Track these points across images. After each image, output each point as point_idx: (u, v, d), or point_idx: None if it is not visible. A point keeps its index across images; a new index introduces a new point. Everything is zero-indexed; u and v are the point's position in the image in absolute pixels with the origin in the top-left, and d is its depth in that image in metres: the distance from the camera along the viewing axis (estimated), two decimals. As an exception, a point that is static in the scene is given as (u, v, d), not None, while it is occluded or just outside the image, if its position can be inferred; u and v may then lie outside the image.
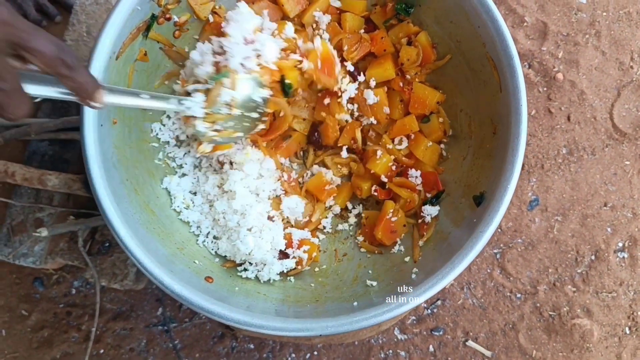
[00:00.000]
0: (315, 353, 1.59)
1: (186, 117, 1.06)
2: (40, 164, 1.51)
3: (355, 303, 1.03)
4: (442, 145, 1.25)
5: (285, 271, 1.18)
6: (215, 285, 1.06)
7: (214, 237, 1.18)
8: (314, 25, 1.25)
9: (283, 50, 1.15)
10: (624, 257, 1.66)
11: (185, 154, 1.22)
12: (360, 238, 1.24)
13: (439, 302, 1.63)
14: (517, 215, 1.67)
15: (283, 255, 1.18)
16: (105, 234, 1.49)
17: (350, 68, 1.23)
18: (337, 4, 1.25)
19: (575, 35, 1.80)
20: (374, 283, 1.10)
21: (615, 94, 1.76)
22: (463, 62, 1.18)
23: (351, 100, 1.25)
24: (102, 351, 1.58)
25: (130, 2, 1.05)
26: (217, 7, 1.22)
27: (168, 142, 1.21)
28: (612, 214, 1.68)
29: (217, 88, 1.04)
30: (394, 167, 1.24)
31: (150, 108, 0.99)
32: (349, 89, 1.23)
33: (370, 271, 1.16)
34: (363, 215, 1.26)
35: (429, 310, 1.62)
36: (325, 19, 1.24)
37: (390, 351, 1.59)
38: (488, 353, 1.59)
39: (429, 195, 1.20)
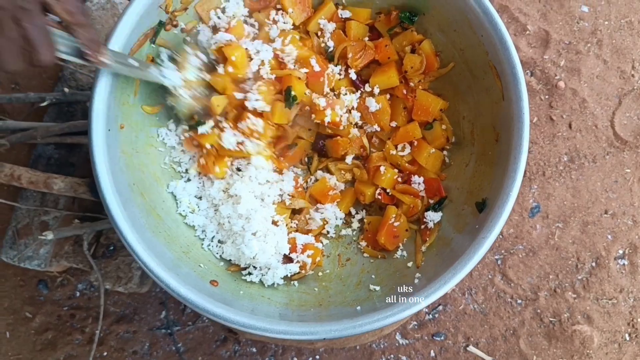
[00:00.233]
0: (317, 357, 1.59)
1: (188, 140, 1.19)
2: (46, 168, 1.53)
3: (358, 307, 1.04)
4: (445, 152, 1.26)
5: (289, 275, 1.19)
6: (220, 288, 1.07)
7: (219, 241, 1.19)
8: (319, 33, 1.27)
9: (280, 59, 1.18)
10: (624, 264, 1.67)
11: (191, 158, 1.23)
12: (363, 243, 1.25)
13: (441, 308, 1.64)
14: (519, 222, 1.69)
15: (287, 259, 1.19)
16: (110, 237, 1.50)
17: (353, 76, 1.25)
18: (347, 14, 1.27)
19: (577, 44, 1.81)
20: (377, 288, 1.11)
21: (617, 102, 1.77)
22: (466, 70, 1.20)
23: (353, 109, 1.27)
24: (105, 354, 1.59)
25: (139, 9, 1.06)
26: (221, 13, 1.24)
27: (174, 147, 1.22)
28: (613, 222, 1.69)
29: (184, 54, 1.15)
30: (399, 179, 1.25)
31: (136, 76, 1.09)
32: (351, 98, 1.25)
33: (373, 276, 1.17)
34: (366, 220, 1.27)
35: (431, 316, 1.63)
36: (330, 26, 1.25)
37: (392, 356, 1.60)
38: (489, 358, 1.60)
39: (431, 202, 1.22)
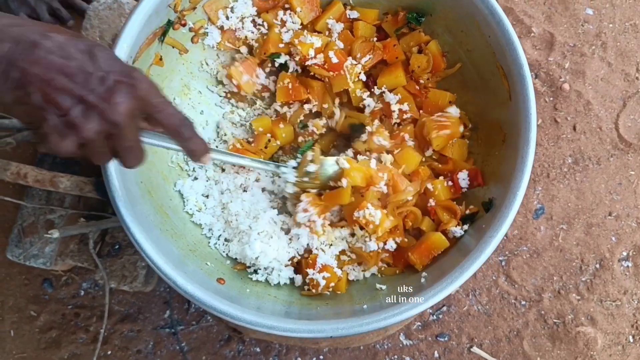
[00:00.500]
0: (321, 357, 1.60)
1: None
2: (52, 167, 1.53)
3: (365, 306, 1.04)
4: (468, 141, 1.24)
5: (297, 285, 1.18)
6: (226, 286, 1.08)
7: (226, 240, 1.20)
8: (327, 33, 1.27)
9: None
10: (628, 266, 1.68)
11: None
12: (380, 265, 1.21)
13: (445, 308, 1.64)
14: (523, 223, 1.69)
15: (300, 270, 1.18)
16: (116, 236, 1.50)
17: (363, 78, 1.25)
18: (355, 15, 1.27)
19: (581, 46, 1.82)
20: (384, 287, 1.12)
21: (621, 104, 1.78)
22: (473, 70, 1.20)
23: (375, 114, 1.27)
24: (109, 352, 1.59)
25: (148, 8, 1.07)
26: (230, 13, 1.24)
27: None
28: (617, 224, 1.70)
29: (305, 162, 1.16)
30: (449, 183, 1.21)
31: (251, 167, 1.17)
32: (369, 103, 1.25)
33: (379, 276, 1.18)
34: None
35: (435, 316, 1.63)
36: (338, 27, 1.26)
37: (396, 356, 1.61)
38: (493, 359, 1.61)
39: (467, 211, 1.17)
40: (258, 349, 1.60)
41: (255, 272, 1.16)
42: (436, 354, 1.61)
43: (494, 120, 1.16)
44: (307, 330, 0.97)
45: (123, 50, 1.04)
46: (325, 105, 1.28)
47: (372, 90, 1.27)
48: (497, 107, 1.14)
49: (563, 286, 1.65)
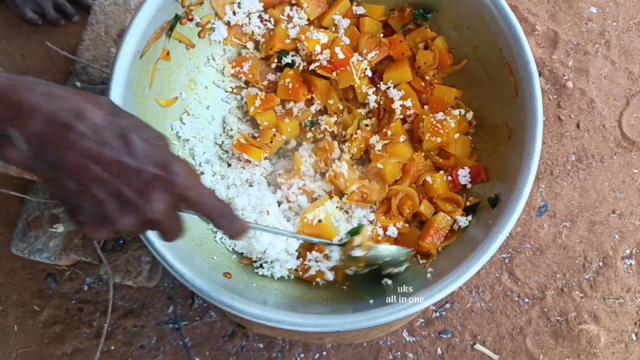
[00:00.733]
0: (324, 353, 1.60)
1: None
2: (57, 161, 1.53)
3: (371, 301, 1.04)
4: (471, 137, 1.25)
5: (293, 269, 1.18)
6: (233, 280, 1.08)
7: (231, 234, 1.20)
8: (333, 29, 1.27)
9: None
10: (631, 264, 1.68)
11: (205, 152, 1.24)
12: None
13: (448, 305, 1.64)
14: (526, 221, 1.69)
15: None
16: (120, 231, 1.50)
17: (369, 74, 1.25)
18: (361, 11, 1.28)
19: (585, 45, 1.82)
20: (389, 281, 1.12)
21: (624, 102, 1.78)
22: (479, 67, 1.20)
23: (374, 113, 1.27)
24: (112, 348, 1.59)
25: (156, 2, 1.07)
26: (237, 8, 1.24)
27: (188, 140, 1.23)
28: (620, 222, 1.70)
29: (351, 245, 1.08)
30: (449, 178, 1.22)
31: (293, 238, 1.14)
32: (370, 100, 1.25)
33: (384, 272, 1.18)
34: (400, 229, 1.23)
35: (438, 313, 1.64)
36: (345, 22, 1.26)
37: (399, 353, 1.61)
38: (495, 357, 1.61)
39: (468, 202, 1.18)
40: (261, 345, 1.60)
41: (261, 266, 1.16)
42: (439, 351, 1.61)
43: (500, 117, 1.16)
44: (313, 324, 0.97)
45: (130, 44, 1.04)
46: (331, 101, 1.28)
47: (378, 85, 1.27)
48: (503, 104, 1.14)
49: (566, 284, 1.66)
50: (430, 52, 1.24)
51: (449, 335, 1.62)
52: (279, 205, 1.21)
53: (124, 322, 1.61)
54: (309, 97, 1.28)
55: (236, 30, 1.26)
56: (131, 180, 0.68)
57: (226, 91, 1.32)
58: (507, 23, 1.10)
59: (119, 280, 1.47)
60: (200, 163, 1.24)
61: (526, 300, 1.65)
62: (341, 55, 1.21)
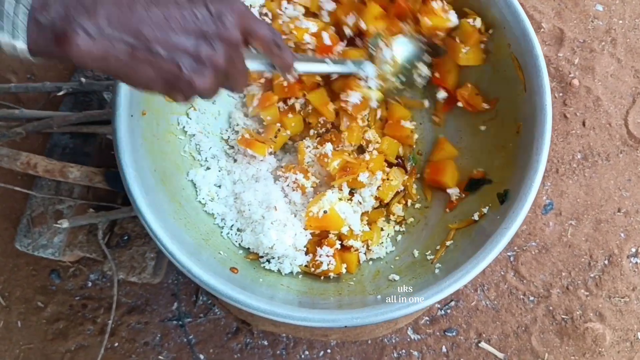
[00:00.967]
0: (329, 351, 1.59)
1: None
2: (61, 157, 1.53)
3: (379, 296, 1.04)
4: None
5: (304, 265, 1.18)
6: (240, 275, 1.07)
7: (238, 230, 1.19)
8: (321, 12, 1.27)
9: None
10: (637, 262, 1.67)
11: (211, 147, 1.23)
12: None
13: (453, 303, 1.64)
14: (532, 219, 1.69)
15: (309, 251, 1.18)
16: (125, 227, 1.50)
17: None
18: None
19: (591, 42, 1.82)
20: (397, 277, 1.11)
21: (630, 101, 1.78)
22: (487, 61, 1.20)
23: None
24: (116, 344, 1.59)
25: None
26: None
27: (194, 135, 1.23)
28: (626, 220, 1.70)
29: (378, 50, 1.20)
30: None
31: (332, 72, 1.18)
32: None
33: (392, 266, 1.17)
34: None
35: (443, 311, 1.63)
36: (329, 5, 1.25)
37: (403, 351, 1.60)
38: (501, 355, 1.60)
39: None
40: (266, 342, 1.60)
41: (268, 261, 1.16)
42: (444, 349, 1.61)
43: (507, 113, 1.16)
44: (321, 319, 0.96)
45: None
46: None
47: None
48: (512, 99, 1.14)
49: (572, 282, 1.65)
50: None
51: (454, 334, 1.62)
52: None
53: (128, 318, 1.61)
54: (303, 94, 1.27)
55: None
56: (202, 17, 0.73)
57: None
58: (515, 17, 1.09)
59: (123, 276, 1.47)
60: (206, 158, 1.23)
61: (531, 298, 1.64)
62: (327, 42, 1.20)
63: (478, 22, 1.17)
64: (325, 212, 1.13)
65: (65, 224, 1.35)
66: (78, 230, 1.50)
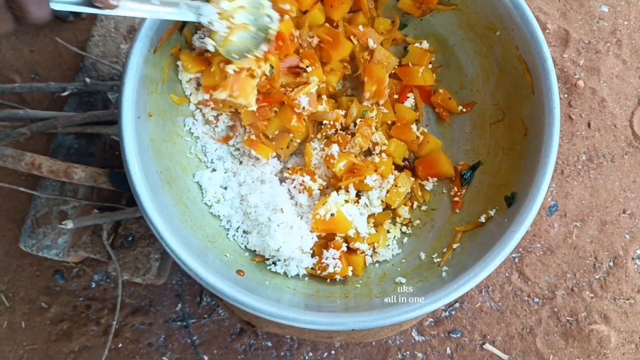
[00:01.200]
0: (333, 352, 1.59)
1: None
2: (66, 157, 1.52)
3: (385, 299, 1.03)
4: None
5: (310, 267, 1.18)
6: (246, 278, 1.07)
7: (244, 232, 1.19)
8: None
9: None
10: (642, 264, 1.67)
11: (217, 149, 1.23)
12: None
13: (457, 305, 1.63)
14: (537, 220, 1.68)
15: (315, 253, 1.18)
16: (129, 227, 1.50)
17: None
18: None
19: (596, 43, 1.81)
20: (403, 280, 1.11)
21: (636, 102, 1.77)
22: (494, 64, 1.19)
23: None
24: (120, 345, 1.58)
25: None
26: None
27: (200, 137, 1.22)
28: (631, 221, 1.69)
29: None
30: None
31: (160, 16, 0.98)
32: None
33: (398, 269, 1.17)
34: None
35: (447, 313, 1.63)
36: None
37: (408, 352, 1.60)
38: (505, 357, 1.60)
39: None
40: (270, 343, 1.59)
41: (274, 263, 1.15)
42: (448, 350, 1.61)
43: (515, 115, 1.15)
44: (328, 322, 0.96)
45: (144, 40, 1.03)
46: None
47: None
48: (519, 102, 1.13)
49: (576, 284, 1.65)
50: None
51: (458, 335, 1.62)
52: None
53: (132, 319, 1.60)
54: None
55: None
56: None
57: None
58: (523, 19, 1.09)
59: (127, 277, 1.47)
60: (212, 160, 1.23)
61: (536, 300, 1.64)
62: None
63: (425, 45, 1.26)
64: (332, 214, 1.13)
65: (70, 224, 1.35)
66: (82, 230, 1.50)
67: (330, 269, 1.13)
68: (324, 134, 1.26)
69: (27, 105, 1.66)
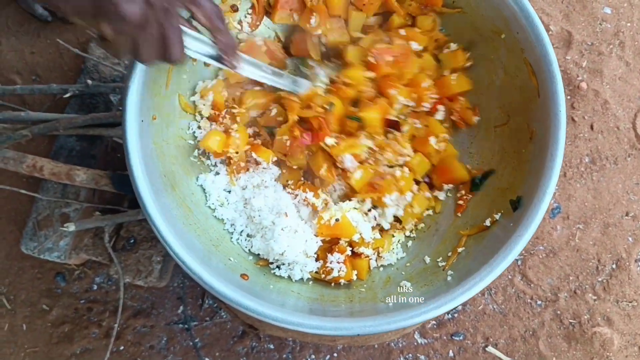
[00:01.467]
0: (335, 355, 1.59)
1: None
2: (67, 159, 1.52)
3: (390, 304, 1.03)
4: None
5: (314, 271, 1.17)
6: (250, 282, 1.06)
7: (248, 235, 1.18)
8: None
9: None
10: (645, 266, 1.67)
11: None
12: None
13: (460, 307, 1.63)
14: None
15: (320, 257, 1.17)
16: (131, 230, 1.49)
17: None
18: None
19: (599, 45, 1.81)
20: (408, 284, 1.10)
21: (639, 104, 1.77)
22: (499, 67, 1.19)
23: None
24: (122, 348, 1.58)
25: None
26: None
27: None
28: (634, 224, 1.69)
29: (311, 66, 1.21)
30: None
31: (268, 82, 1.13)
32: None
33: (403, 273, 1.16)
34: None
35: (450, 315, 1.62)
36: None
37: (410, 355, 1.60)
38: (508, 359, 1.60)
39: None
40: (272, 346, 1.59)
41: (278, 267, 1.15)
42: (451, 353, 1.60)
43: (520, 119, 1.15)
44: (333, 327, 0.95)
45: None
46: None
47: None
48: (524, 105, 1.13)
49: (579, 286, 1.64)
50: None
51: (461, 338, 1.61)
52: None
53: (134, 322, 1.60)
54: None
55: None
56: None
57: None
58: (529, 22, 1.08)
59: (129, 279, 1.46)
60: (215, 163, 1.22)
61: (539, 302, 1.63)
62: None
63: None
64: (337, 219, 1.12)
65: (72, 227, 1.34)
66: (84, 233, 1.49)
67: (335, 273, 1.13)
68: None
69: (28, 107, 1.65)
